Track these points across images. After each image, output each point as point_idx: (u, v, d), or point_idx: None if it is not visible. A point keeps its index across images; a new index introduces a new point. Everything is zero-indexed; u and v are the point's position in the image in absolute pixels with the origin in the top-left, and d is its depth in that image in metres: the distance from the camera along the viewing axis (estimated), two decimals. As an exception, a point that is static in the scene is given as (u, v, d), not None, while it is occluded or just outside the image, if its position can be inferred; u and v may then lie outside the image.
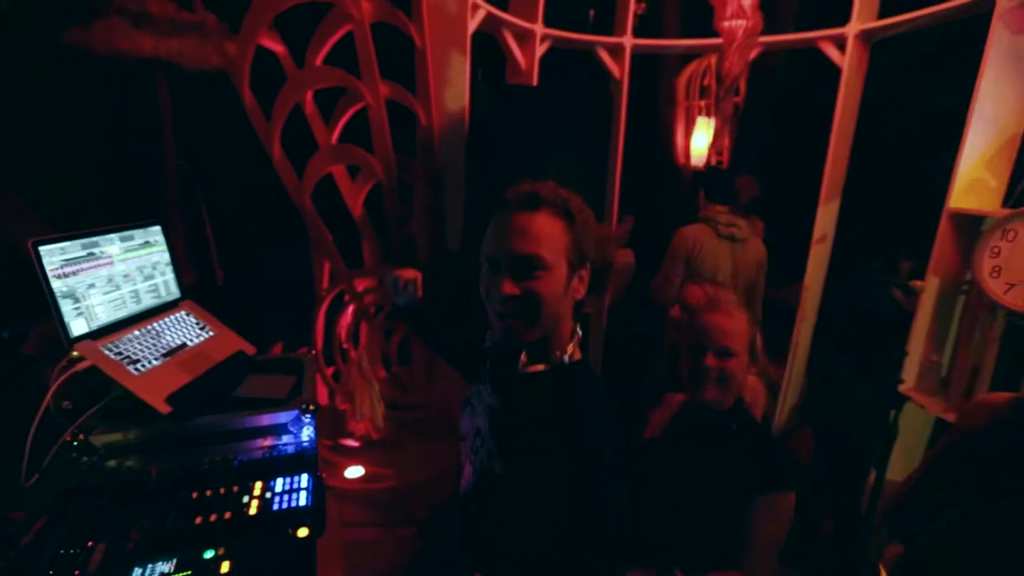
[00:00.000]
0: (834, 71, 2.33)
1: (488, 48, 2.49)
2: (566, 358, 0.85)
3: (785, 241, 2.97)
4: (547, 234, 0.79)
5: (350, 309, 2.45)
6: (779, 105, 3.85)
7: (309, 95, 2.21)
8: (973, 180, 1.96)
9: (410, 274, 1.13)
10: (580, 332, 0.89)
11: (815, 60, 2.42)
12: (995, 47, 1.81)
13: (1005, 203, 1.96)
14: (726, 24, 2.02)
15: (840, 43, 2.28)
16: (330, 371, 2.55)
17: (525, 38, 2.42)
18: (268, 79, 2.19)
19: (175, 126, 3.01)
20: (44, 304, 2.01)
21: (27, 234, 2.30)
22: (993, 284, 1.80)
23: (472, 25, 2.12)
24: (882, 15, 2.24)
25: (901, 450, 2.07)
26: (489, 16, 2.23)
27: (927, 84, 2.78)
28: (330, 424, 2.49)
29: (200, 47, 2.69)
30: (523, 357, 0.85)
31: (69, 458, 1.11)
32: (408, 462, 2.44)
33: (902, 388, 2.03)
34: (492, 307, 0.83)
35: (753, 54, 2.15)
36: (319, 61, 2.17)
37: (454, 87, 2.18)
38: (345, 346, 2.50)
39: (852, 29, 2.23)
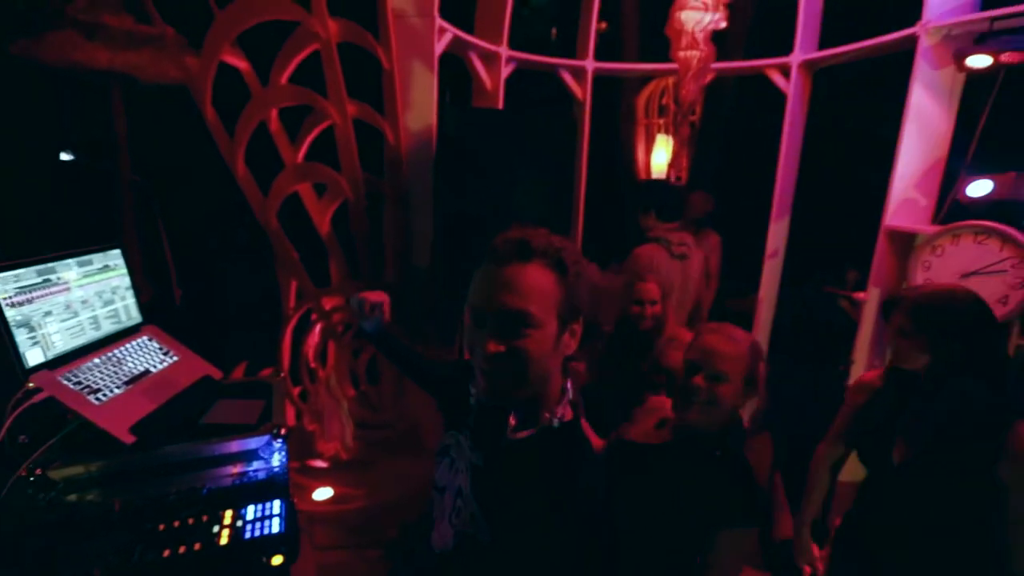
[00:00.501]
0: (779, 95, 2.50)
1: (454, 68, 2.55)
2: (556, 421, 0.80)
3: (741, 254, 3.13)
4: (537, 288, 0.73)
5: (317, 328, 2.43)
6: (731, 126, 4.07)
7: (274, 113, 2.20)
8: (905, 199, 2.13)
9: (376, 297, 1.11)
10: (570, 389, 0.84)
11: (764, 85, 2.59)
12: (919, 80, 1.99)
13: (934, 220, 2.15)
14: (681, 54, 2.14)
15: (785, 71, 2.45)
16: (297, 391, 2.50)
17: (491, 60, 2.48)
18: (230, 94, 2.17)
19: (130, 140, 2.92)
20: None
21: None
22: (925, 295, 1.96)
23: (439, 47, 2.16)
24: (823, 46, 2.42)
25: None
26: (456, 39, 2.28)
27: (867, 108, 3.00)
28: (298, 445, 2.44)
29: (157, 60, 2.62)
30: (512, 421, 0.79)
31: (25, 495, 1.06)
32: (378, 481, 2.41)
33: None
34: (477, 363, 0.77)
35: (707, 80, 2.28)
36: (284, 79, 2.16)
37: (421, 107, 2.21)
38: (313, 365, 2.46)
39: (796, 59, 2.41)
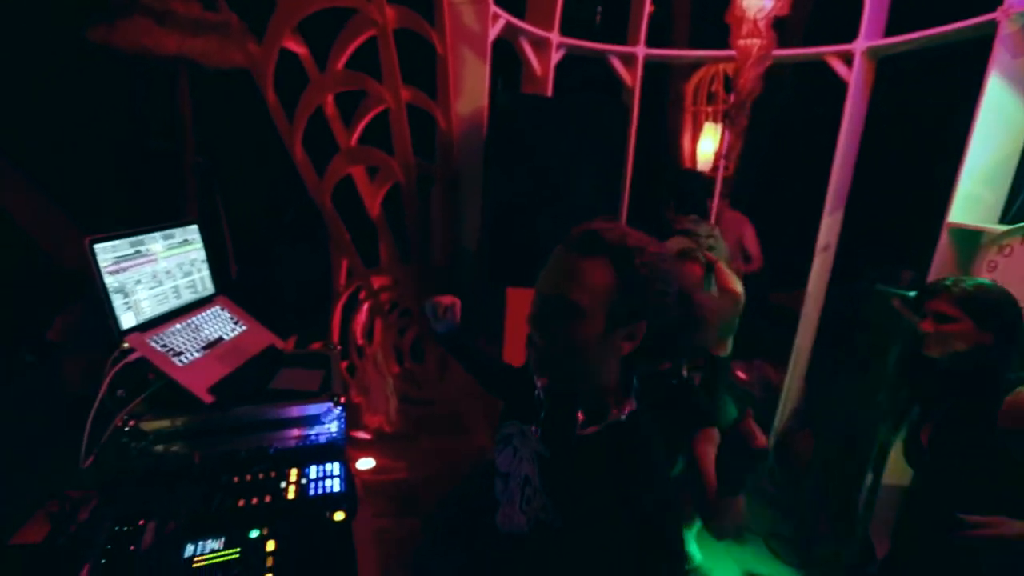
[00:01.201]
0: (838, 84, 2.41)
1: (501, 53, 2.56)
2: (623, 416, 0.81)
3: (788, 247, 3.05)
4: (590, 283, 0.72)
5: (366, 306, 2.53)
6: (783, 114, 3.92)
7: (330, 97, 2.28)
8: (972, 195, 2.03)
9: (448, 300, 1.19)
10: (637, 384, 0.84)
11: (820, 72, 2.49)
12: (996, 69, 1.88)
13: (1002, 219, 2.04)
14: (741, 42, 2.08)
15: (848, 58, 2.36)
16: (344, 365, 2.62)
17: (542, 46, 2.49)
18: (288, 79, 2.26)
19: (194, 123, 3.07)
20: (66, 294, 2.08)
21: (51, 230, 2.37)
22: (988, 296, 1.88)
23: (493, 33, 2.19)
24: (889, 32, 2.31)
25: (898, 456, 2.15)
26: (508, 25, 2.30)
27: (931, 98, 2.84)
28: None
29: (222, 46, 2.74)
30: (580, 416, 0.80)
31: (120, 443, 1.18)
32: (418, 455, 2.52)
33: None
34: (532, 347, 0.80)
35: (765, 69, 2.22)
36: (341, 64, 2.24)
37: (473, 93, 2.25)
38: (360, 342, 2.57)
39: (859, 46, 2.30)
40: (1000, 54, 1.86)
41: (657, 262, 0.74)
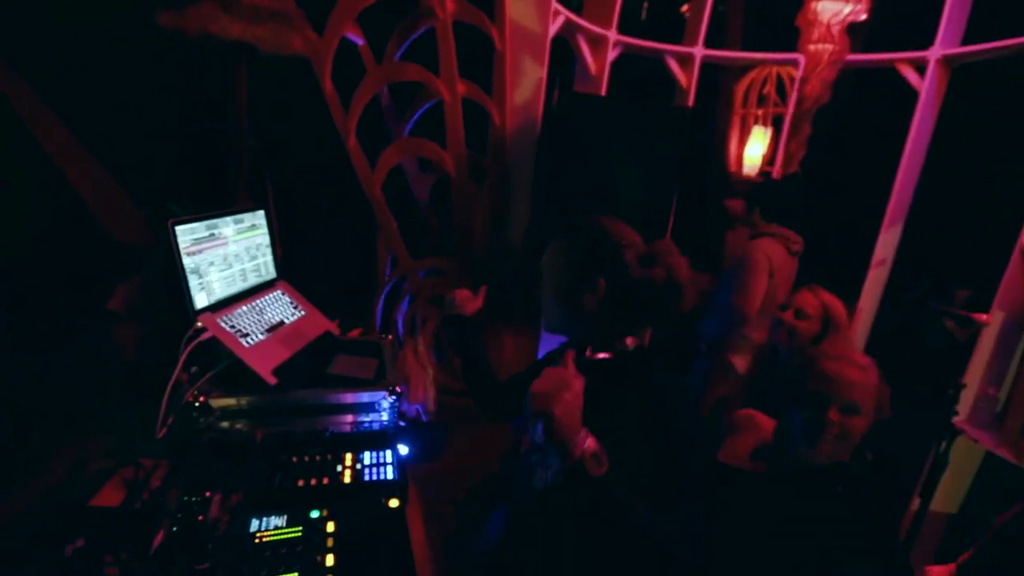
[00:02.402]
0: (906, 91, 2.31)
1: (554, 49, 2.54)
2: (630, 348, 0.98)
3: (836, 259, 2.95)
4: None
5: (408, 296, 2.57)
6: (840, 121, 3.79)
7: (386, 88, 2.31)
8: (1050, 217, 1.93)
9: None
10: (640, 334, 1.02)
11: (883, 79, 2.39)
12: (1088, 83, 1.78)
13: (1082, 242, 1.93)
14: (812, 47, 2.02)
15: (920, 66, 2.26)
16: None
17: (598, 44, 2.46)
18: (343, 68, 2.30)
19: (249, 108, 3.15)
20: (120, 268, 2.16)
21: (110, 204, 2.47)
22: (1063, 324, 1.79)
23: (552, 30, 2.17)
24: (966, 41, 2.20)
25: (947, 481, 2.08)
26: (567, 22, 2.28)
27: (1006, 110, 2.70)
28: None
29: (282, 33, 2.81)
30: (588, 351, 0.97)
31: (191, 417, 1.24)
32: (454, 445, 2.55)
33: (955, 420, 2.03)
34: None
35: (835, 76, 2.15)
36: (399, 56, 2.26)
37: (529, 90, 2.24)
38: (402, 332, 2.61)
39: (935, 53, 2.20)
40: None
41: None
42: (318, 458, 1.28)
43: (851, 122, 3.64)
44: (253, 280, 1.50)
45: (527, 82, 2.24)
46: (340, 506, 1.14)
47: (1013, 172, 2.10)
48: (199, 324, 1.26)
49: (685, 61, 2.61)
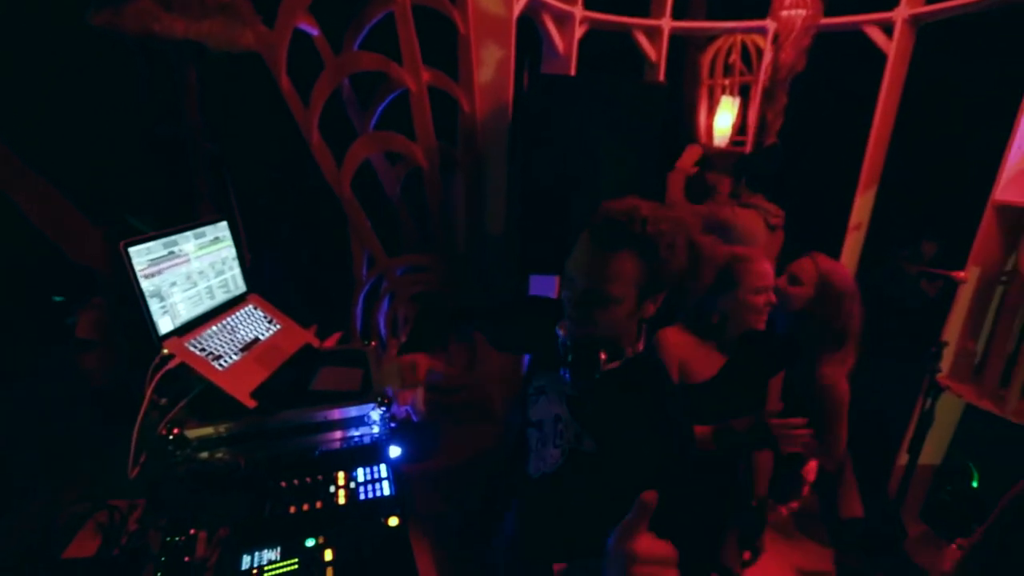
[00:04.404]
0: (873, 54, 2.30)
1: (521, 30, 2.45)
2: (637, 352, 0.96)
3: (809, 224, 2.97)
4: (622, 274, 0.85)
5: (388, 295, 2.49)
6: (807, 85, 3.79)
7: (347, 80, 2.19)
8: (1020, 172, 1.96)
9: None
10: (645, 326, 0.98)
11: (846, 42, 2.38)
12: (1053, 36, 1.78)
13: (1051, 195, 1.97)
14: (784, 14, 1.98)
15: (887, 28, 2.25)
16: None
17: (564, 21, 2.38)
18: (301, 62, 2.17)
19: (201, 109, 2.98)
20: (79, 289, 2.02)
21: (61, 223, 2.30)
22: (1038, 276, 1.82)
23: (517, 9, 2.08)
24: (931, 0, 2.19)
25: (932, 436, 2.13)
26: (531, 0, 2.19)
27: (973, 69, 2.72)
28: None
29: (230, 28, 2.64)
30: (603, 355, 0.92)
31: (165, 451, 1.15)
32: (446, 444, 2.51)
33: (939, 377, 2.07)
34: (567, 310, 0.93)
35: (808, 43, 2.12)
36: (357, 46, 2.14)
37: (498, 74, 2.15)
38: (384, 332, 2.54)
39: (901, 13, 2.19)
40: (1059, 20, 1.76)
41: (674, 239, 0.86)
42: (309, 480, 1.22)
43: (820, 88, 3.65)
44: (221, 297, 1.41)
45: (494, 66, 2.15)
46: (337, 531, 1.09)
47: (980, 128, 2.12)
48: (165, 351, 1.17)
49: (653, 34, 2.55)
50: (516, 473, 1.12)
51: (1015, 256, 1.99)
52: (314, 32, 2.14)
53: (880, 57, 2.31)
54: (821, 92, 3.60)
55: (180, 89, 3.02)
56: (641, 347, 0.97)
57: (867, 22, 2.29)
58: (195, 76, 2.98)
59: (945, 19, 2.19)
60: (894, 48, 2.23)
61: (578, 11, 2.35)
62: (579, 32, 2.40)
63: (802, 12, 1.94)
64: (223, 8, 2.66)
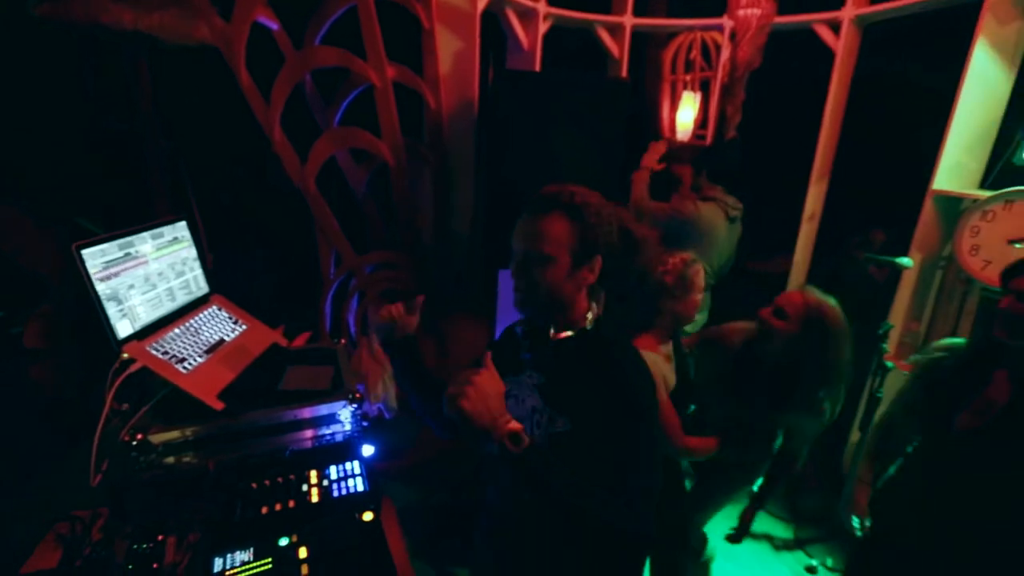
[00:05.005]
0: (822, 51, 2.41)
1: (487, 27, 2.46)
2: (588, 325, 0.99)
3: (766, 215, 3.09)
4: (552, 233, 0.92)
5: (357, 293, 2.46)
6: (762, 81, 3.93)
7: (309, 76, 2.16)
8: (955, 163, 2.09)
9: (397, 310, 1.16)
10: (596, 307, 1.02)
11: (797, 39, 2.48)
12: (983, 35, 1.91)
13: (983, 185, 2.11)
14: (740, 12, 2.05)
15: (835, 26, 2.35)
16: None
17: (528, 17, 2.39)
18: (261, 56, 2.12)
19: (156, 104, 2.87)
20: (28, 296, 1.94)
21: (4, 226, 2.18)
22: (972, 261, 1.95)
23: (481, 4, 2.09)
24: (876, 0, 2.31)
25: (879, 413, 2.26)
26: (494, -5, 2.19)
27: (915, 66, 2.88)
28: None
29: (184, 20, 2.55)
30: (551, 331, 0.98)
31: (129, 458, 1.13)
32: (421, 440, 2.51)
33: (886, 357, 2.20)
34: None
35: (764, 40, 2.20)
36: (319, 40, 2.11)
37: (463, 69, 2.15)
38: (354, 330, 2.51)
39: (848, 13, 2.30)
40: (988, 20, 1.88)
41: (600, 210, 0.94)
42: (280, 480, 1.21)
43: (777, 84, 3.79)
44: (183, 299, 1.38)
45: (459, 61, 2.15)
46: (311, 528, 1.09)
47: (923, 122, 2.24)
48: (125, 355, 1.14)
49: (615, 31, 2.59)
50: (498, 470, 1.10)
51: (952, 242, 2.13)
52: (274, 26, 2.09)
53: (830, 54, 2.43)
54: (778, 88, 3.74)
55: (132, 83, 2.90)
56: (592, 318, 0.99)
57: (817, 21, 2.40)
58: (147, 70, 2.87)
59: (889, 18, 2.32)
60: (841, 46, 2.34)
61: (541, 7, 2.37)
62: (543, 28, 2.42)
63: (757, 11, 2.01)
64: (175, 0, 2.56)
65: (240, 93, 2.09)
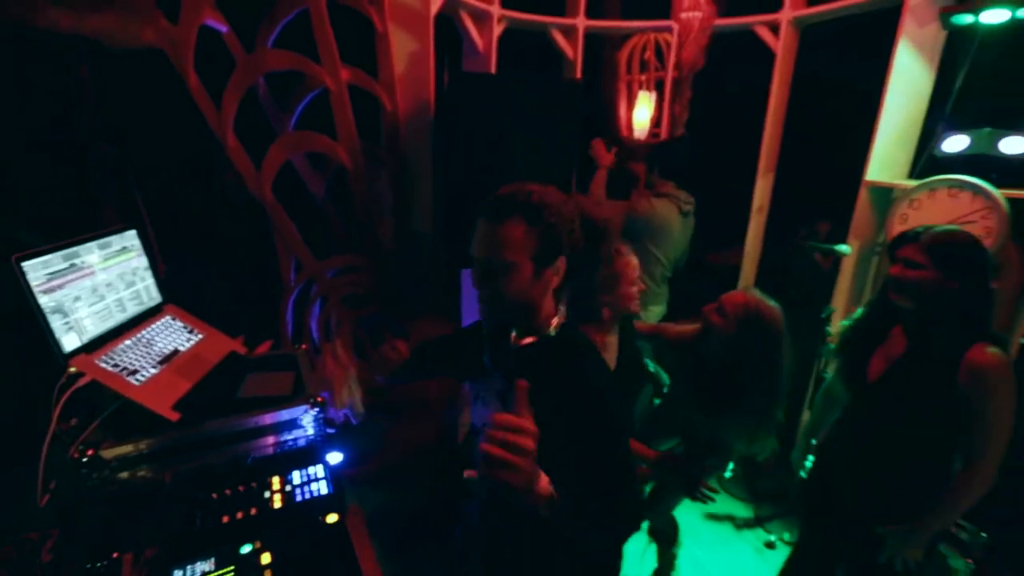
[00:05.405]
0: (766, 52, 2.53)
1: (442, 29, 2.47)
2: (552, 331, 0.97)
3: (721, 209, 3.22)
4: (511, 240, 0.88)
5: (319, 298, 2.44)
6: (710, 80, 4.08)
7: (262, 80, 2.12)
8: (885, 155, 2.23)
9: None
10: (563, 310, 1.00)
11: (745, 40, 2.61)
12: (904, 36, 2.05)
13: (911, 175, 2.26)
14: (683, 16, 2.13)
15: (774, 28, 2.48)
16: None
17: (483, 19, 2.42)
18: (211, 60, 2.08)
19: (100, 109, 2.75)
20: None
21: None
22: (902, 247, 2.10)
23: (434, 7, 2.10)
24: (811, 3, 2.44)
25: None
26: (448, -2, 2.21)
27: (849, 65, 3.05)
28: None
29: (125, 24, 2.46)
30: (513, 335, 0.97)
31: (80, 475, 1.10)
32: (389, 443, 2.50)
33: (830, 340, 2.33)
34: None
35: (707, 41, 2.29)
36: (271, 43, 2.08)
37: (418, 72, 2.16)
38: (317, 336, 2.49)
39: (785, 15, 2.43)
40: (908, 22, 2.02)
41: (560, 208, 0.90)
42: (242, 489, 1.20)
43: (726, 83, 3.94)
44: (134, 309, 1.34)
45: (414, 64, 2.16)
46: (274, 534, 1.09)
47: (857, 118, 2.38)
48: (72, 369, 1.11)
49: (569, 33, 2.65)
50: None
51: (884, 229, 2.28)
52: (223, 29, 2.05)
53: (773, 55, 2.55)
54: (726, 87, 3.89)
55: (73, 88, 2.78)
56: (557, 324, 0.97)
57: (757, 23, 2.52)
58: (89, 73, 2.76)
59: (824, 20, 2.45)
60: (781, 46, 2.47)
61: (495, 9, 2.40)
62: (497, 30, 2.46)
63: (699, 14, 2.11)
64: (117, 1, 2.47)
65: (188, 96, 2.04)
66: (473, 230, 0.93)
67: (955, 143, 2.04)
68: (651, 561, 2.10)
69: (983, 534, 1.49)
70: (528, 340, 0.96)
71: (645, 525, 2.02)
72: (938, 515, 1.26)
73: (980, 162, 1.98)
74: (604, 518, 0.85)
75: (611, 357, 1.54)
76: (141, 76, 2.52)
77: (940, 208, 1.98)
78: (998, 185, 1.87)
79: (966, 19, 1.86)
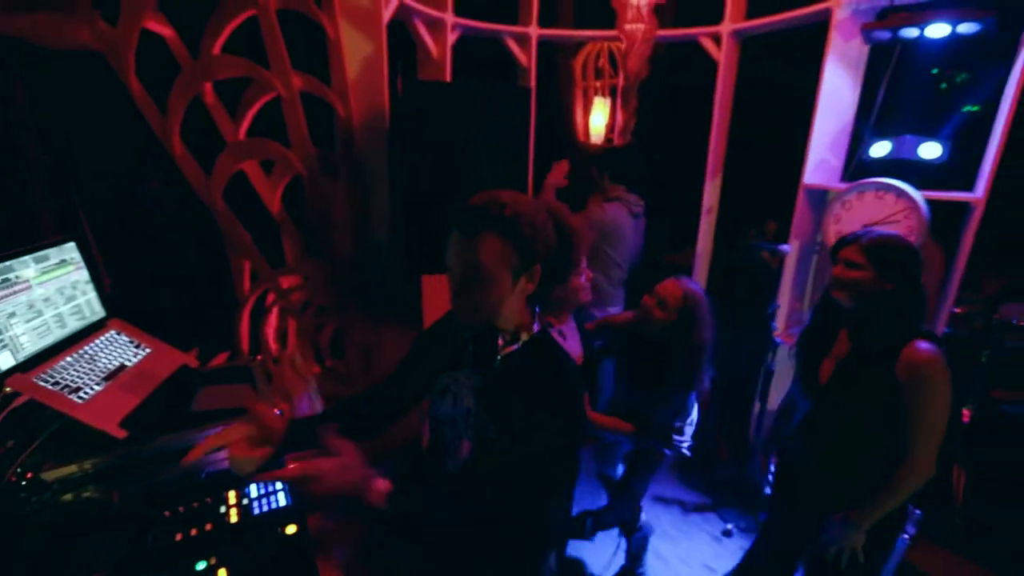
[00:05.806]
0: (710, 60, 2.66)
1: (398, 37, 2.48)
2: (528, 336, 1.00)
3: (673, 211, 3.36)
4: (489, 254, 0.88)
5: (276, 308, 2.39)
6: (661, 89, 4.23)
7: (209, 86, 2.07)
8: (820, 160, 2.39)
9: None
10: (538, 313, 1.04)
11: (692, 50, 2.73)
12: (832, 50, 2.20)
13: (843, 178, 2.43)
14: (627, 27, 2.22)
15: (717, 39, 2.61)
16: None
17: (437, 27, 2.44)
18: (155, 64, 2.01)
19: (35, 116, 2.61)
20: None
21: None
22: (837, 245, 2.24)
23: (387, 14, 2.11)
24: (750, 15, 2.58)
25: (776, 385, 2.53)
26: (401, 5, 2.22)
27: (791, 74, 3.24)
28: (267, 426, 2.44)
29: (61, 24, 2.35)
30: (500, 342, 0.98)
31: (19, 499, 1.05)
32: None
33: (776, 334, 2.46)
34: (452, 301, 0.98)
35: (651, 52, 2.39)
36: (218, 48, 2.03)
37: (371, 79, 2.16)
38: (274, 346, 2.44)
39: (726, 28, 2.56)
40: (834, 38, 2.17)
41: (534, 217, 0.91)
42: (196, 505, 1.17)
43: (675, 90, 4.09)
44: (75, 324, 1.29)
45: (368, 71, 2.16)
46: (230, 549, 1.07)
47: (796, 124, 2.53)
48: (8, 389, 1.06)
49: (523, 41, 2.71)
50: (432, 470, 1.14)
51: (821, 229, 2.43)
52: (166, 33, 1.99)
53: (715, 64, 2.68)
54: (676, 94, 4.05)
55: (3, 92, 2.63)
56: (535, 328, 1.00)
57: (701, 34, 2.64)
58: (19, 76, 2.61)
59: (763, 32, 2.60)
60: (723, 56, 2.60)
61: (449, 17, 2.43)
62: (451, 38, 2.48)
63: (641, 26, 2.20)
64: (50, 1, 2.36)
65: (130, 101, 1.97)
66: (447, 241, 0.93)
67: (880, 149, 2.21)
68: (621, 559, 2.17)
69: (917, 511, 1.60)
70: (510, 349, 0.98)
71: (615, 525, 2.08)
72: (876, 505, 1.32)
73: (902, 166, 2.15)
74: (532, 524, 0.90)
75: (575, 345, 1.62)
76: (80, 80, 2.42)
77: (868, 209, 2.14)
78: (919, 187, 2.03)
79: (885, 35, 2.02)
